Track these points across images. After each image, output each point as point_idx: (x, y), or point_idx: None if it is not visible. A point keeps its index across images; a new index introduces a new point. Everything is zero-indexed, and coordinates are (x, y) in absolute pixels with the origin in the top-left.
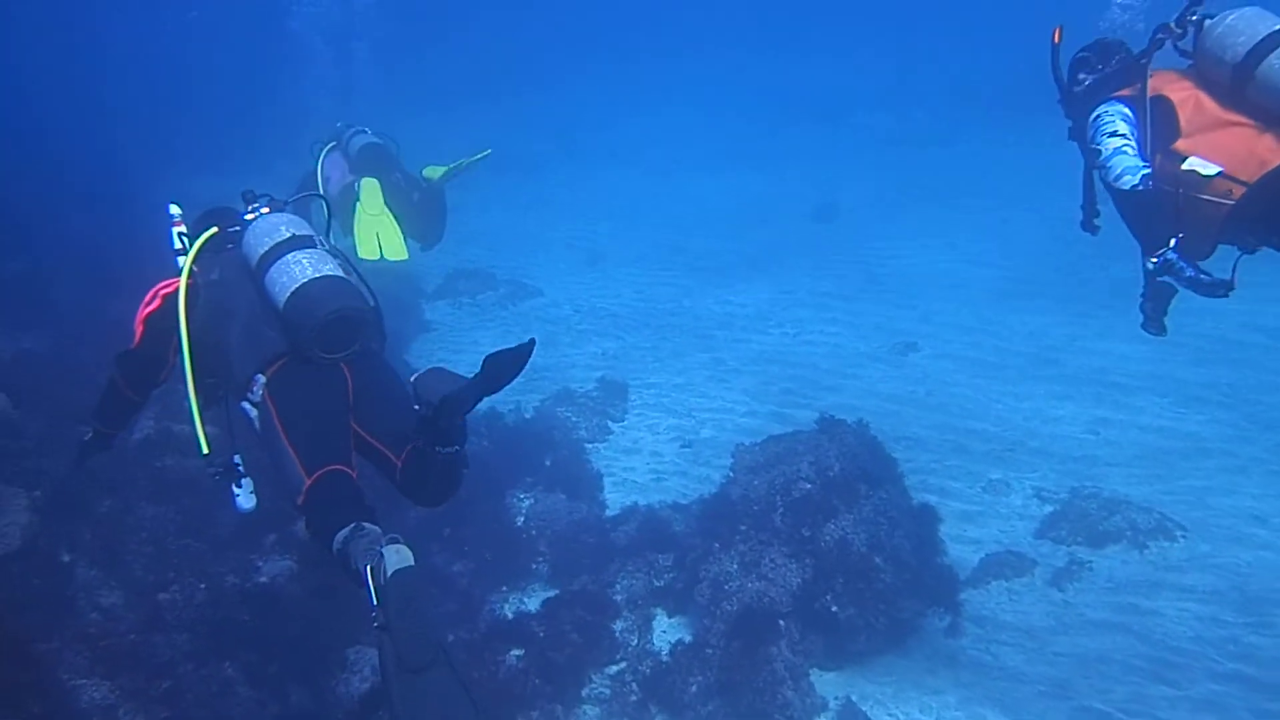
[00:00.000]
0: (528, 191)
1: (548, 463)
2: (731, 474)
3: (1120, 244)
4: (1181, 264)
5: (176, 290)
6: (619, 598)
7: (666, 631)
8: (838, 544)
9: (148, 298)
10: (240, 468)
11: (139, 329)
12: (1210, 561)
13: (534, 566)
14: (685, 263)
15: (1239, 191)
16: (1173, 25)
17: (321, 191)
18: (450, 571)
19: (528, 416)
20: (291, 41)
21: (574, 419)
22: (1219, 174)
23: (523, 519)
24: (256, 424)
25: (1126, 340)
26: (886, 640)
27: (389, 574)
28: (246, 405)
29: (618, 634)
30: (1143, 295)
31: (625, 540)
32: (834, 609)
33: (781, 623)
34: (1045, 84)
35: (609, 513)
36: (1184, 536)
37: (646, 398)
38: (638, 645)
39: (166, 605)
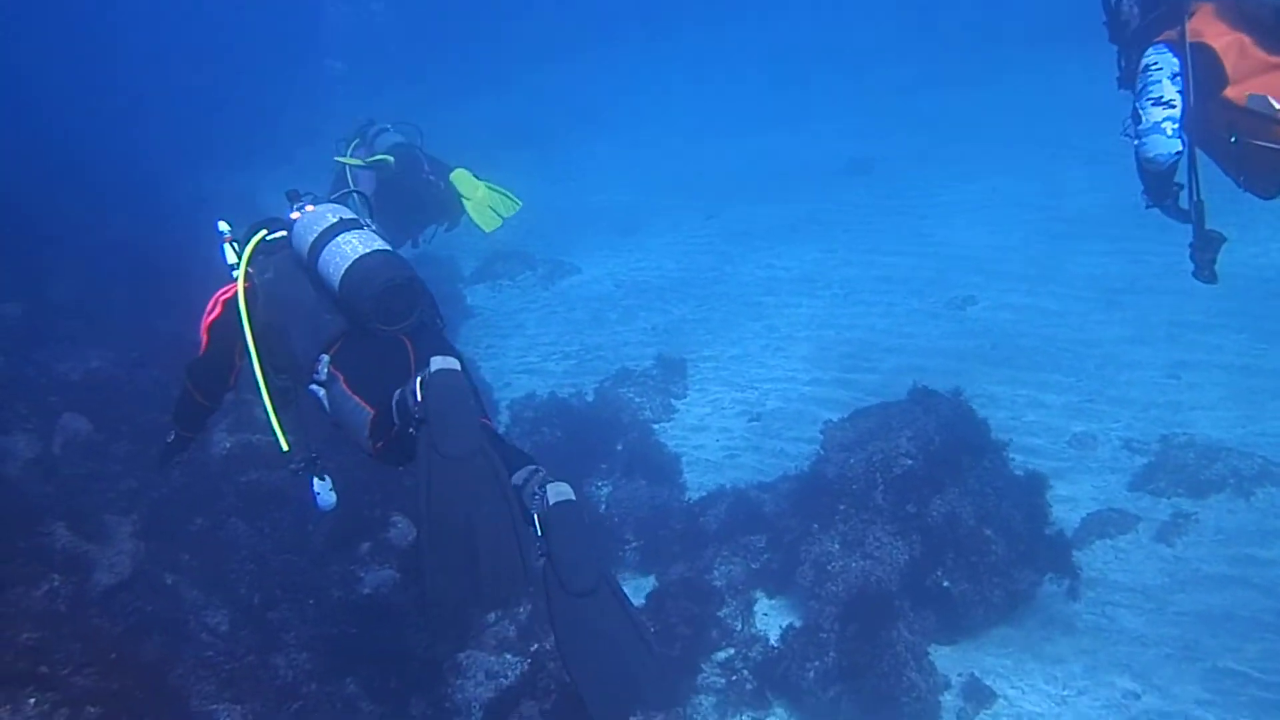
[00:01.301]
0: (550, 165)
1: (619, 447)
2: (823, 451)
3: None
4: (1171, 210)
5: (235, 294)
6: (719, 584)
7: (769, 615)
8: (946, 519)
9: (209, 306)
10: (319, 460)
11: (204, 337)
12: None
13: (622, 554)
14: (721, 229)
15: None
16: None
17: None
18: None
19: (590, 400)
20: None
21: (637, 400)
22: (1276, 118)
23: (604, 506)
24: (326, 403)
25: (1189, 277)
26: (1000, 612)
27: (550, 504)
28: (315, 388)
29: (724, 621)
30: (1191, 245)
31: (716, 524)
32: (946, 584)
33: (898, 603)
34: (1069, 20)
35: (690, 495)
36: None
37: (705, 371)
38: (743, 631)
39: (279, 624)
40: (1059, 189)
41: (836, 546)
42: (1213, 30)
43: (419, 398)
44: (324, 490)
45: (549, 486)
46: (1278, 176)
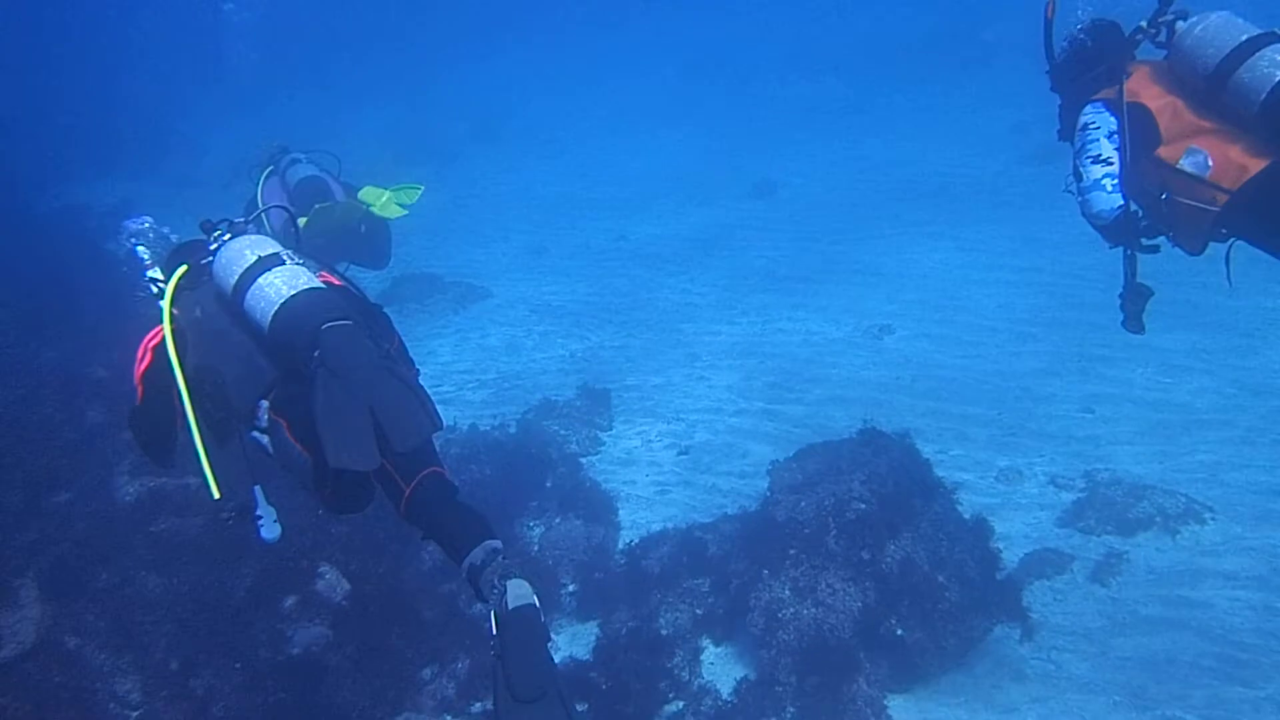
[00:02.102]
0: (451, 182)
1: (549, 484)
2: (770, 493)
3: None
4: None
5: (163, 339)
6: (665, 632)
7: (715, 664)
8: (901, 565)
9: (139, 354)
10: (262, 499)
11: (139, 388)
12: (1244, 544)
13: (559, 599)
14: (632, 250)
15: (1222, 199)
16: (1145, 25)
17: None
18: (473, 613)
19: (514, 433)
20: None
21: (563, 432)
22: (1205, 180)
23: (538, 548)
24: (270, 448)
25: (1094, 309)
26: (953, 659)
27: (510, 608)
28: (256, 435)
29: (673, 671)
30: (1121, 295)
31: (659, 567)
32: (900, 632)
33: (859, 655)
34: (955, 44)
35: (626, 534)
36: (1213, 519)
37: (630, 402)
38: (692, 682)
39: (205, 694)
40: (960, 217)
41: (787, 593)
42: (1149, 92)
43: (493, 628)
44: (267, 522)
45: (509, 584)
46: (1204, 233)
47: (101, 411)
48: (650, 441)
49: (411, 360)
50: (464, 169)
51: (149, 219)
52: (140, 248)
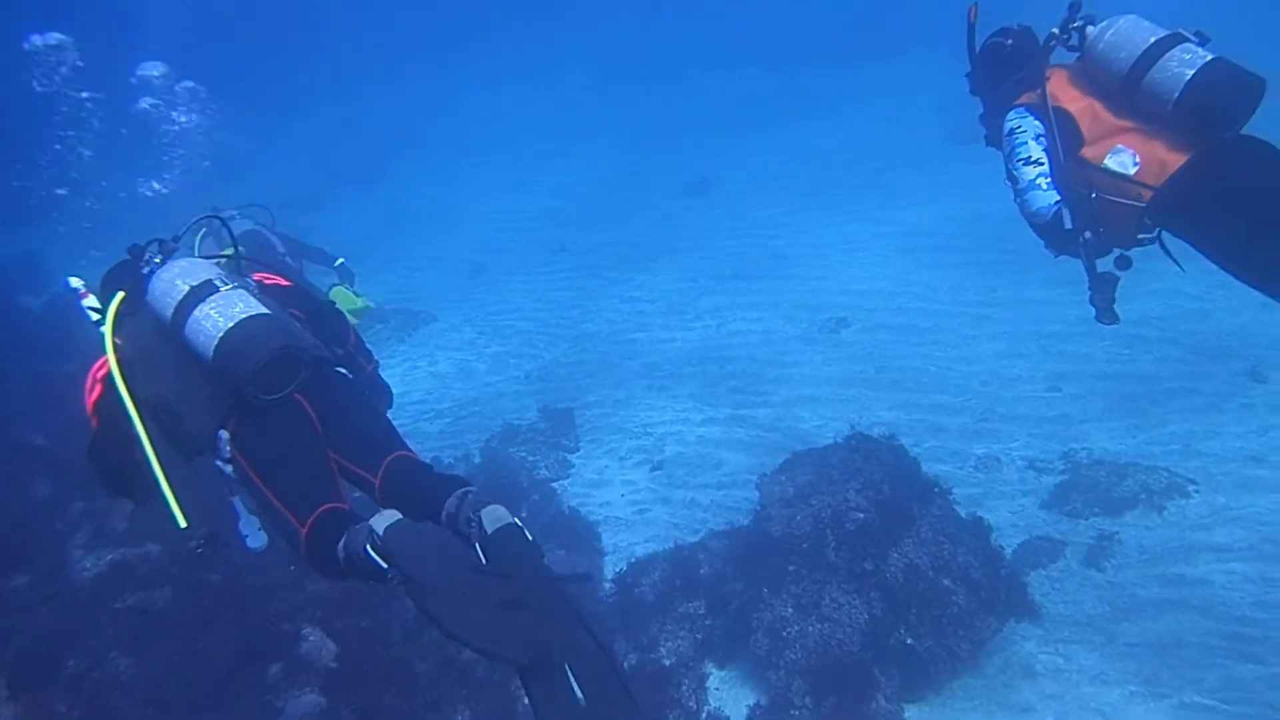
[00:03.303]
0: (376, 202)
1: (524, 514)
2: (762, 508)
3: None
4: (1086, 249)
5: (109, 370)
6: (668, 662)
7: (721, 689)
8: (906, 572)
9: (88, 385)
10: (243, 510)
11: (94, 420)
12: (1231, 514)
13: None
14: (573, 261)
15: (1147, 195)
16: (1057, 31)
17: None
18: (463, 658)
19: (479, 463)
20: None
21: (530, 458)
22: (1130, 177)
23: None
24: (235, 479)
25: (1044, 285)
26: (964, 663)
27: (383, 533)
28: (220, 464)
29: (682, 702)
30: (1089, 288)
31: (652, 594)
32: (910, 642)
33: (875, 670)
34: (869, 29)
35: (610, 559)
36: (1196, 491)
37: (593, 420)
38: (699, 710)
39: None
40: (899, 201)
41: (790, 610)
42: (1068, 95)
43: (482, 558)
44: (252, 533)
45: (482, 514)
46: (1132, 229)
47: (49, 483)
48: (621, 459)
49: (370, 353)
50: (393, 186)
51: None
52: (72, 279)
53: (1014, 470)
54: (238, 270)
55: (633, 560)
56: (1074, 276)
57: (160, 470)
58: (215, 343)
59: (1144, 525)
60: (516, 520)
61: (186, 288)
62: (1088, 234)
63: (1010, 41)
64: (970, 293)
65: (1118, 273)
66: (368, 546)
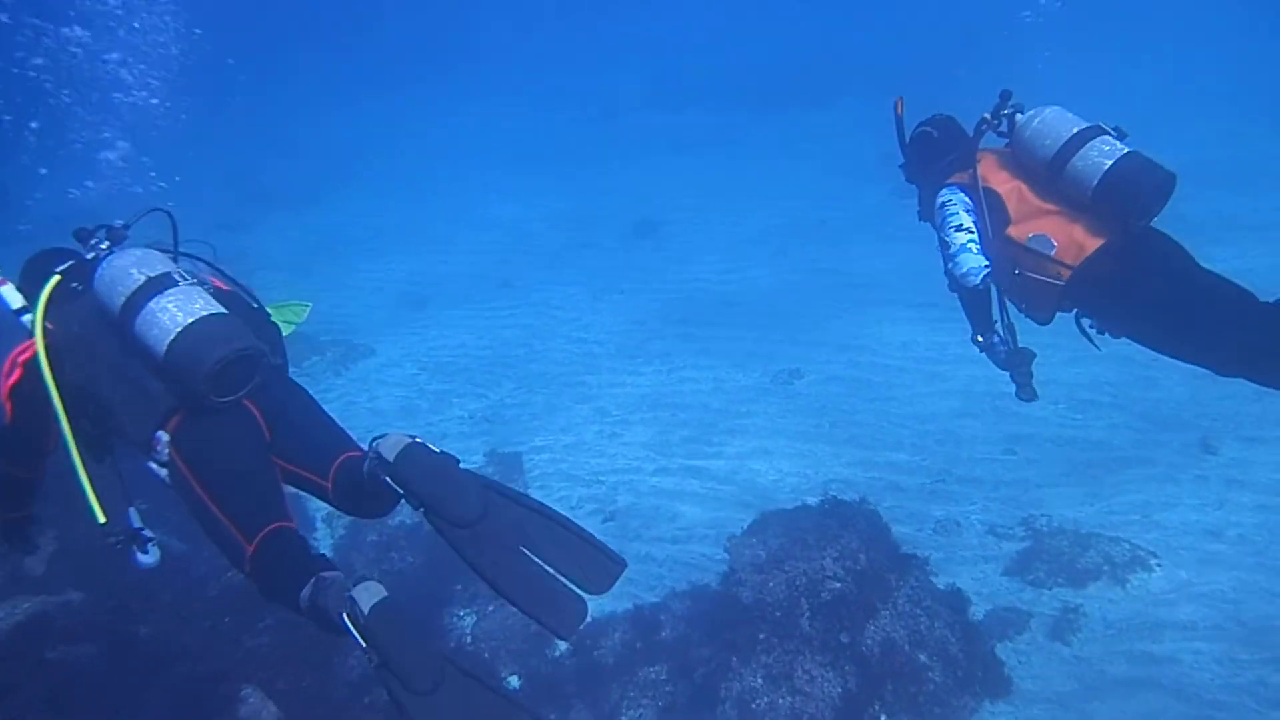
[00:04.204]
0: (308, 227)
1: None
2: (732, 571)
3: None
4: (995, 347)
5: (34, 354)
6: None
7: None
8: (882, 646)
9: (5, 369)
10: (144, 531)
11: (7, 405)
12: (1194, 590)
13: None
14: (518, 297)
15: (1066, 274)
16: (989, 117)
17: None
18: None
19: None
20: None
21: None
22: (1051, 257)
23: (470, 639)
24: (169, 483)
25: None
26: None
27: (368, 612)
28: (153, 465)
29: None
30: (1005, 365)
31: (612, 657)
32: (885, 719)
33: None
34: (810, 74)
35: None
36: (1158, 565)
37: (542, 465)
38: None
39: None
40: (848, 252)
41: (760, 681)
42: (997, 178)
43: (362, 640)
44: (150, 555)
45: (357, 591)
46: (1051, 305)
47: None
48: (572, 508)
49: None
50: (323, 213)
51: None
52: (5, 289)
53: (974, 534)
54: (192, 268)
55: (588, 619)
56: (1023, 337)
57: (80, 463)
58: (172, 338)
59: (1107, 598)
60: (415, 439)
61: (143, 278)
62: (998, 327)
63: (936, 132)
64: (921, 348)
65: (1033, 350)
66: (345, 615)
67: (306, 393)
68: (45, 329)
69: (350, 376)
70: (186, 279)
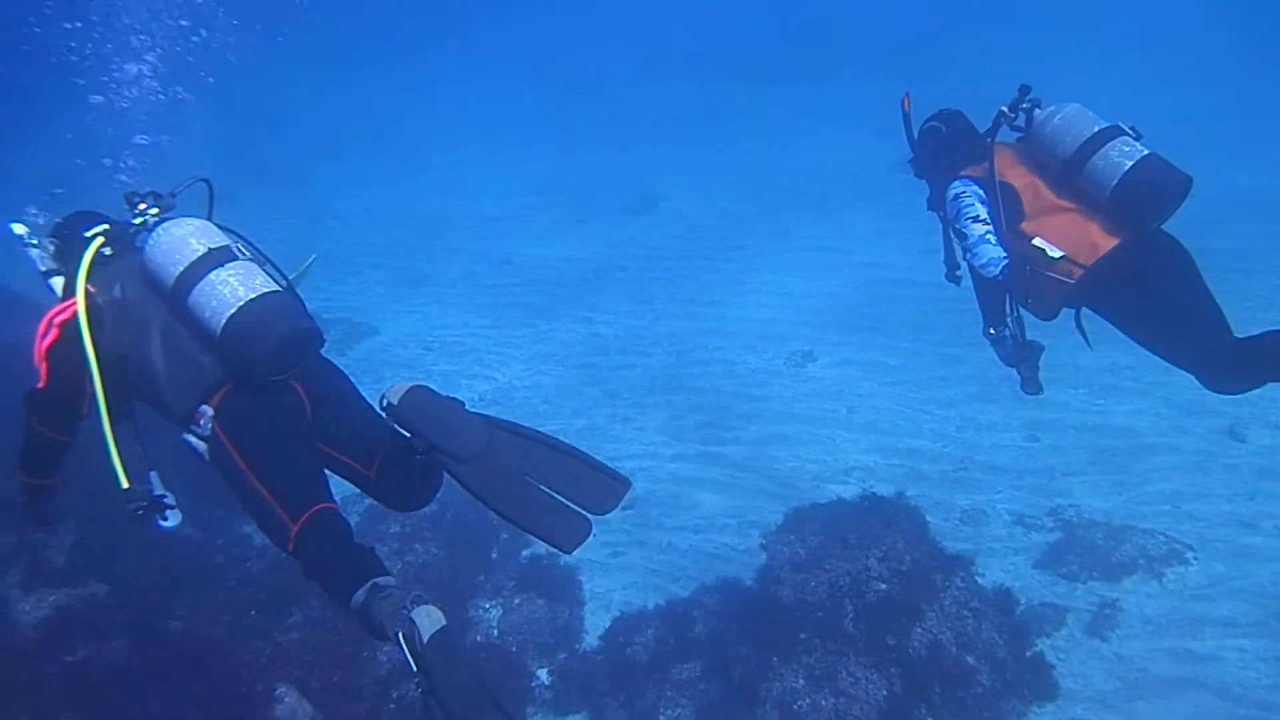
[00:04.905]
0: (302, 203)
1: (494, 555)
2: (770, 569)
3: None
4: (1005, 341)
5: (74, 315)
6: None
7: None
8: (929, 649)
9: (41, 329)
10: (165, 497)
11: (42, 366)
12: (1232, 585)
13: (532, 690)
14: (519, 276)
15: (1078, 273)
16: (1007, 110)
17: None
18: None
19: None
20: None
21: None
22: (1062, 256)
23: (497, 632)
24: (207, 458)
25: None
26: None
27: (426, 640)
28: (191, 438)
29: None
30: (1008, 357)
31: (646, 654)
32: None
33: None
34: (805, 47)
35: (588, 608)
36: (1195, 559)
37: None
38: None
39: None
40: (851, 229)
41: (802, 682)
42: (1013, 172)
43: (414, 665)
44: (172, 520)
45: (418, 614)
46: (1059, 302)
47: None
48: None
49: None
50: (314, 188)
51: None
52: (15, 225)
53: (1002, 525)
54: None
55: (618, 614)
56: (1033, 321)
57: (109, 429)
58: (233, 311)
59: (1144, 593)
60: (419, 384)
61: (203, 249)
62: (1010, 321)
63: (944, 128)
64: (936, 331)
65: (1042, 343)
66: (400, 635)
67: (346, 376)
68: (87, 290)
69: (355, 356)
70: (245, 254)
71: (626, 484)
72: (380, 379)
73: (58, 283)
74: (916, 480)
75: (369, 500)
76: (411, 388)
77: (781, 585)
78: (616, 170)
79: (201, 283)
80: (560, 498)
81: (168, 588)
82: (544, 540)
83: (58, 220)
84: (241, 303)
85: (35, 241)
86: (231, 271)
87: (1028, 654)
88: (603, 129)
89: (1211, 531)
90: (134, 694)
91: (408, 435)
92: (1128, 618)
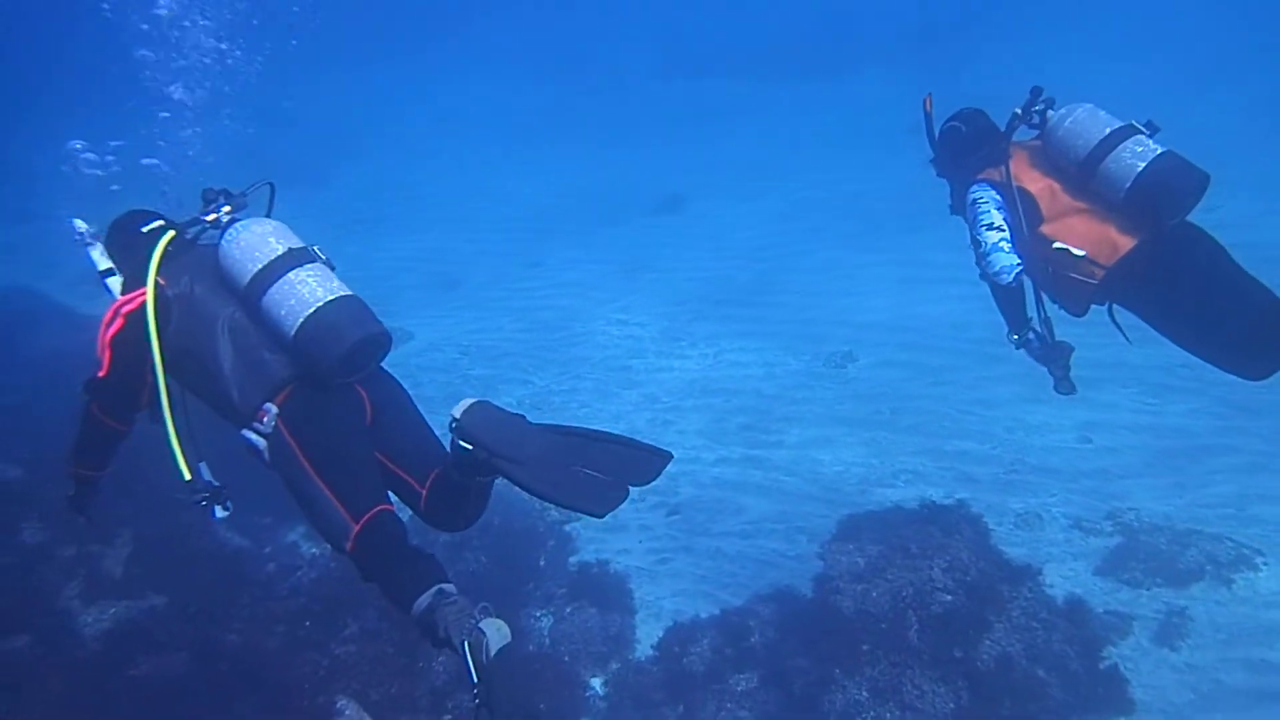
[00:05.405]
0: (323, 205)
1: (541, 563)
2: (829, 579)
3: None
4: (1031, 344)
5: (141, 306)
6: None
7: None
8: (998, 661)
9: (107, 317)
10: (225, 488)
11: (105, 354)
12: None
13: (587, 701)
14: (550, 278)
15: (1100, 274)
16: (1020, 113)
17: None
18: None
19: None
20: None
21: (536, 500)
22: (1083, 257)
23: (549, 641)
24: (266, 455)
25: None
26: None
27: (492, 653)
28: (251, 435)
29: None
30: (1041, 357)
31: (703, 665)
32: None
33: None
34: (829, 54)
35: (639, 616)
36: (1264, 564)
37: None
38: None
39: None
40: (884, 227)
41: (865, 695)
42: (1028, 176)
43: (476, 676)
44: (228, 505)
45: (486, 625)
46: (1085, 300)
47: (36, 527)
48: (634, 501)
49: None
50: (336, 191)
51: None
52: (78, 220)
53: (1058, 529)
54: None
55: (670, 623)
56: (1087, 317)
57: (171, 420)
58: (311, 310)
59: (1213, 600)
60: (481, 400)
61: (283, 248)
62: (1034, 323)
63: (965, 127)
64: (976, 330)
65: (1071, 344)
66: (468, 644)
67: (405, 389)
68: (157, 283)
69: (391, 361)
70: (321, 256)
71: (668, 456)
72: (418, 385)
73: (115, 282)
74: (967, 483)
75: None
76: (474, 403)
77: (841, 595)
78: (642, 171)
79: (280, 281)
80: (604, 476)
81: (222, 598)
82: (573, 508)
83: (120, 215)
84: (321, 303)
85: (90, 237)
86: (310, 272)
87: (1101, 666)
88: (626, 129)
89: (1278, 536)
90: (197, 708)
91: (469, 448)
92: (1198, 626)
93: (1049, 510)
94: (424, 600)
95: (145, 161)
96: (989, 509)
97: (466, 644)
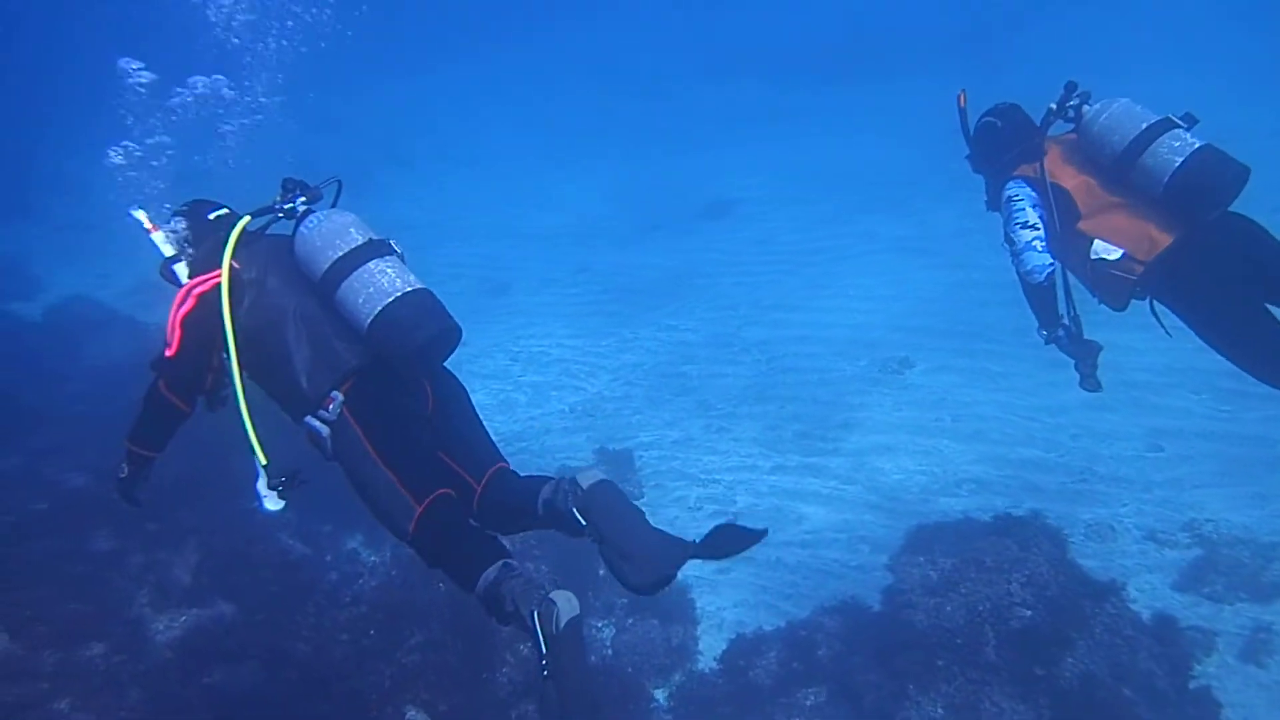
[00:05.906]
0: (366, 210)
1: (601, 573)
2: (900, 592)
3: None
4: (1060, 340)
5: (215, 287)
6: None
7: None
8: (1081, 680)
9: (179, 298)
10: (298, 473)
11: (175, 333)
12: None
13: (651, 713)
14: (600, 284)
15: (1139, 270)
16: (1054, 108)
17: None
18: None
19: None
20: None
21: None
22: (1122, 254)
23: (612, 652)
24: (329, 443)
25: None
26: None
27: (563, 624)
28: (315, 423)
29: None
30: (1072, 356)
31: (769, 679)
32: None
33: None
34: (868, 57)
35: (701, 627)
36: None
37: (653, 463)
38: None
39: None
40: (932, 230)
41: (941, 711)
42: (1064, 172)
43: (545, 647)
44: (270, 493)
45: (558, 596)
46: (1125, 296)
47: (108, 534)
48: (691, 509)
49: None
50: (380, 198)
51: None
52: (136, 211)
53: (1131, 540)
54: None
55: (732, 634)
56: (1144, 320)
57: (244, 403)
58: (390, 300)
59: None
60: (610, 481)
61: (363, 239)
62: (1065, 320)
63: (1000, 122)
64: (1035, 334)
65: (1099, 343)
66: (537, 614)
67: (464, 386)
68: (232, 266)
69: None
70: (398, 250)
71: (761, 533)
72: (470, 390)
73: (182, 269)
74: (1033, 493)
75: None
76: (601, 481)
77: (914, 609)
78: (686, 175)
79: (359, 270)
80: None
81: (288, 606)
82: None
83: (185, 203)
84: (399, 293)
85: (152, 226)
86: (389, 264)
87: (1190, 686)
88: (666, 133)
89: None
90: (271, 718)
91: (582, 522)
92: None
93: (1121, 521)
94: (490, 573)
95: (196, 159)
96: (1058, 519)
97: (536, 614)
